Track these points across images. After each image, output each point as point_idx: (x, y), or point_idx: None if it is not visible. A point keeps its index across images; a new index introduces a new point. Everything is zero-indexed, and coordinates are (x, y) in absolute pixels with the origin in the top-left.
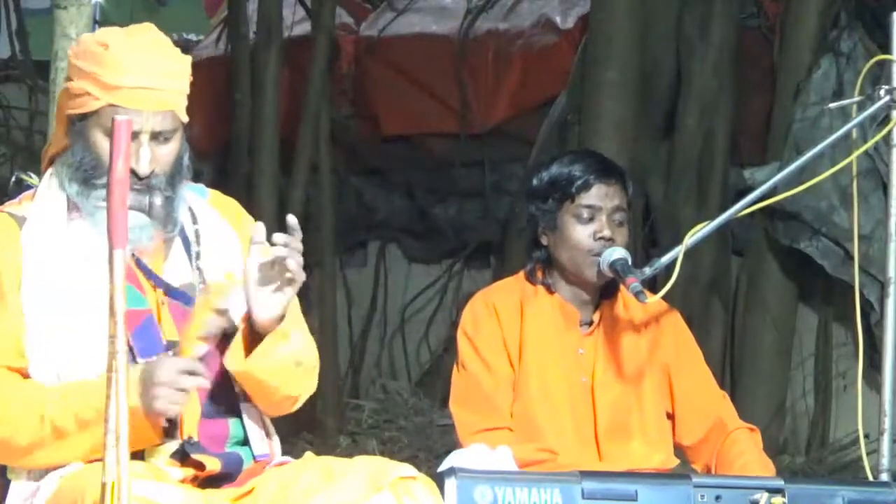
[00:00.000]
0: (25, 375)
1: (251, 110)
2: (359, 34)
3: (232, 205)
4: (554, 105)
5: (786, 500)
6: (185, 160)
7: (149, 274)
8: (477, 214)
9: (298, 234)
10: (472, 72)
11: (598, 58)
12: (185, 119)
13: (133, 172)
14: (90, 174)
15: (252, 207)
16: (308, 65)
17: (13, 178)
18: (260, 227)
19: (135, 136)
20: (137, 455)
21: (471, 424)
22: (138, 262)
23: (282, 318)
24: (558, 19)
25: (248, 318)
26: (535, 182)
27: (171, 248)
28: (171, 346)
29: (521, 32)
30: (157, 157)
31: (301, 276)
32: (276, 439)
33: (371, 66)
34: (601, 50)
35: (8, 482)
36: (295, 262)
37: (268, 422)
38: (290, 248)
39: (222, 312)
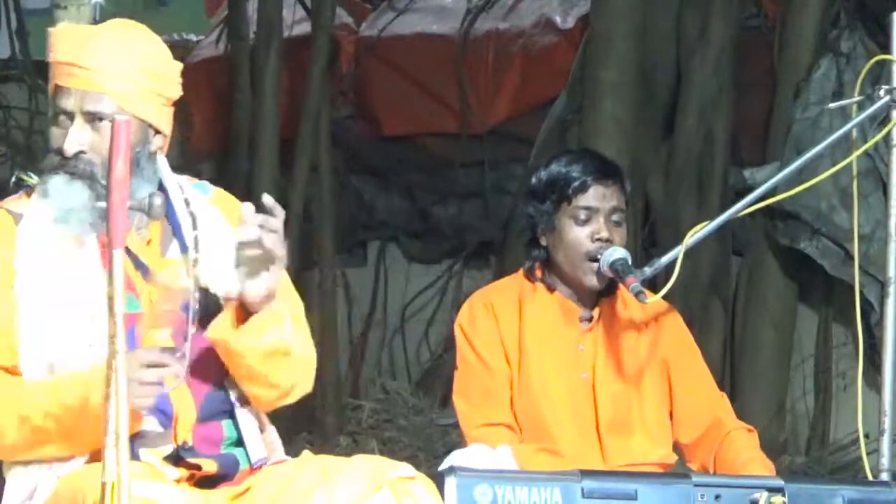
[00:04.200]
0: (14, 373)
1: (251, 110)
2: (359, 34)
3: (237, 205)
4: (554, 105)
5: (786, 499)
6: (142, 156)
7: (142, 269)
8: (477, 214)
9: (278, 214)
10: (472, 72)
11: (598, 58)
12: (147, 118)
13: (59, 151)
14: (41, 156)
15: None
16: (308, 65)
17: (13, 178)
18: (247, 208)
19: (68, 114)
20: (134, 456)
21: (474, 417)
22: (131, 256)
23: (270, 298)
24: (558, 19)
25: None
26: (532, 183)
27: (168, 253)
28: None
29: (521, 32)
30: (92, 141)
31: (281, 253)
32: (271, 430)
33: (371, 66)
34: (601, 50)
35: (3, 480)
36: (270, 241)
37: (263, 416)
38: (265, 228)
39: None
